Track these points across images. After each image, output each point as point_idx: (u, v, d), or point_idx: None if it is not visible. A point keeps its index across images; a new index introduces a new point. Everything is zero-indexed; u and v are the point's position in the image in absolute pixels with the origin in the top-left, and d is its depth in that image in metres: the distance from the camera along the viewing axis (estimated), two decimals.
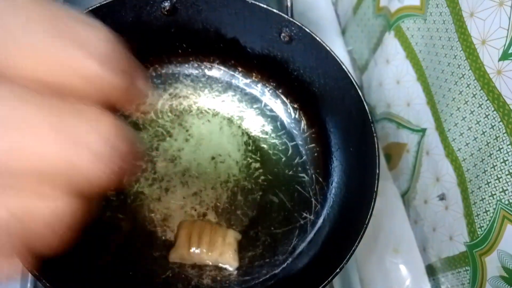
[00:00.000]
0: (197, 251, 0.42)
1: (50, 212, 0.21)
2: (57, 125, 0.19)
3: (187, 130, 0.50)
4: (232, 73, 0.53)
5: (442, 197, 0.48)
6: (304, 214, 0.46)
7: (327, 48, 0.43)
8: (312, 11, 0.67)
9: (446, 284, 0.48)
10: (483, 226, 0.41)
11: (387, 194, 0.55)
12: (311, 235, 0.44)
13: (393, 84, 0.55)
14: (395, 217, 0.54)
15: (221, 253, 0.42)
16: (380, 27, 0.58)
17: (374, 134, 0.39)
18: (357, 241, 0.34)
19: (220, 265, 0.43)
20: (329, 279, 0.33)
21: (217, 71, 0.53)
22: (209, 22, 0.49)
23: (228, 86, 0.53)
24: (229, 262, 0.42)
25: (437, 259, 0.49)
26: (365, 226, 0.35)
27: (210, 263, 0.43)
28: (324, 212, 0.46)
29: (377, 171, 0.37)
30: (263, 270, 0.43)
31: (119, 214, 0.44)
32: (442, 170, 0.47)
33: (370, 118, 0.40)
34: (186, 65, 0.53)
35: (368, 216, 0.35)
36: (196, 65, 0.53)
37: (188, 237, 0.43)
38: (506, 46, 0.37)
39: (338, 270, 0.33)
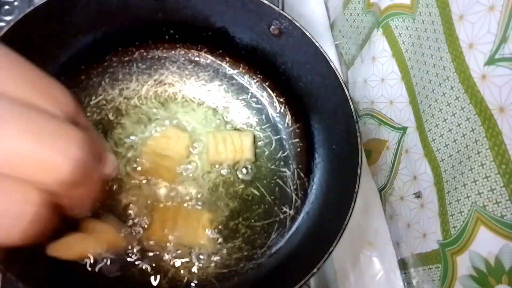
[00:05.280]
0: (171, 232, 0.40)
1: (17, 209, 0.20)
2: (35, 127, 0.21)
3: (171, 118, 0.47)
4: (219, 62, 0.50)
5: (418, 195, 0.46)
6: (284, 209, 0.44)
7: (317, 44, 0.40)
8: (302, 4, 0.64)
9: (417, 278, 0.47)
10: (456, 226, 0.40)
11: (365, 188, 0.53)
12: (290, 230, 0.42)
13: (377, 81, 0.53)
14: (372, 211, 0.52)
15: (195, 235, 0.41)
16: (368, 23, 0.55)
17: (358, 134, 0.36)
18: (335, 242, 0.32)
19: (197, 252, 0.41)
20: (306, 278, 0.31)
21: (204, 60, 0.50)
22: (198, 9, 0.46)
23: (215, 76, 0.50)
24: (202, 243, 0.41)
25: (409, 255, 0.48)
26: (343, 227, 0.33)
27: (185, 246, 0.41)
28: (304, 208, 0.43)
29: (359, 171, 0.35)
30: (241, 264, 0.41)
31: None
32: (420, 169, 0.45)
33: (355, 118, 0.37)
34: (173, 52, 0.49)
35: (348, 217, 0.33)
36: (183, 52, 0.49)
37: (163, 220, 0.41)
38: (493, 51, 0.35)
39: (315, 270, 0.31)
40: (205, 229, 0.41)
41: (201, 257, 0.41)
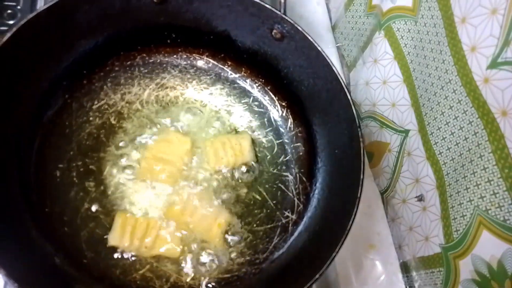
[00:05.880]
0: (190, 217, 0.41)
1: None
2: None
3: (172, 122, 0.47)
4: (221, 66, 0.49)
5: (420, 198, 0.46)
6: (286, 213, 0.44)
7: (319, 48, 0.40)
8: (304, 6, 0.64)
9: (419, 282, 0.47)
10: (459, 230, 0.39)
11: (367, 191, 0.53)
12: (293, 235, 0.42)
13: (379, 84, 0.52)
14: (374, 214, 0.52)
15: (209, 230, 0.41)
16: (370, 25, 0.55)
17: (361, 139, 0.36)
18: (338, 247, 0.32)
19: (199, 256, 0.41)
20: (308, 284, 0.31)
21: (206, 64, 0.49)
22: (200, 13, 0.45)
23: (217, 79, 0.49)
24: (215, 241, 0.41)
25: (411, 258, 0.47)
26: (346, 233, 0.33)
27: (197, 239, 0.41)
28: (306, 213, 0.43)
29: (361, 177, 0.35)
30: (243, 269, 0.40)
31: (97, 207, 0.41)
32: (422, 172, 0.45)
33: (357, 122, 0.37)
34: (175, 56, 0.49)
35: (350, 223, 0.33)
36: (184, 56, 0.49)
37: (184, 205, 0.42)
38: (495, 55, 0.35)
39: (317, 276, 0.31)
40: (220, 228, 0.41)
41: (203, 261, 0.41)
